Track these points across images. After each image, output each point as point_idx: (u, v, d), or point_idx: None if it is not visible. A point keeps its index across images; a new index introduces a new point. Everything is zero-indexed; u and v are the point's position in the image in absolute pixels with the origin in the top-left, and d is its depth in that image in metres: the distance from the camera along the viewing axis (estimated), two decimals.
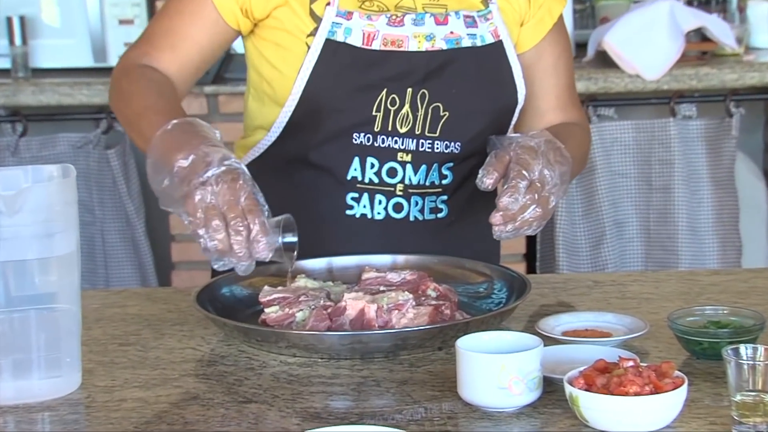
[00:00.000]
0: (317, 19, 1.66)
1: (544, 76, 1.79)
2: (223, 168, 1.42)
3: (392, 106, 1.66)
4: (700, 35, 3.28)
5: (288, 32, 1.68)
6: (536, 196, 1.51)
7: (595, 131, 3.28)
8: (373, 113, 1.66)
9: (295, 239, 1.47)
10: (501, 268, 1.66)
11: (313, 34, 1.66)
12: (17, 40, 3.29)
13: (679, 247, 3.30)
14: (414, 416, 1.28)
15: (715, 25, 3.26)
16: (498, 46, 1.72)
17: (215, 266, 1.44)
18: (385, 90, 1.66)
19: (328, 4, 1.66)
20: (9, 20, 3.29)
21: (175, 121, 1.51)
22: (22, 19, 3.30)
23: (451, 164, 1.71)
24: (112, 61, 3.33)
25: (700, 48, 3.28)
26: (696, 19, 3.24)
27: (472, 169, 1.72)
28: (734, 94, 3.29)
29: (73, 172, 1.38)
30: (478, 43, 1.70)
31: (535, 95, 1.79)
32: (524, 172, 1.51)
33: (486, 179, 1.53)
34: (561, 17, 1.80)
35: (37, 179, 1.38)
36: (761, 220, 3.44)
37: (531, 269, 3.37)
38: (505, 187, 1.51)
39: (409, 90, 1.67)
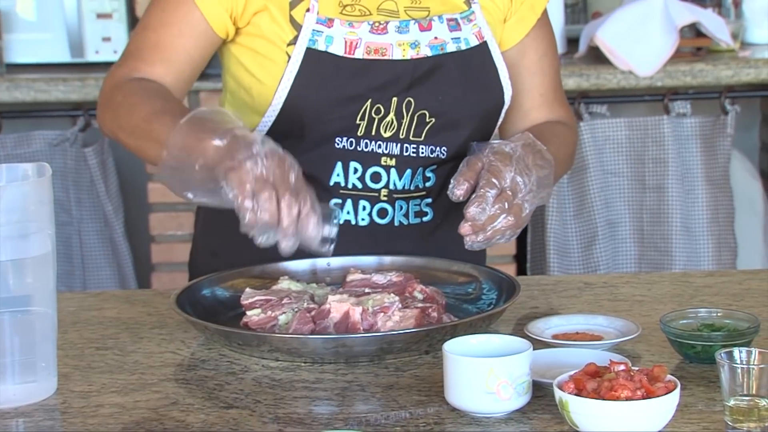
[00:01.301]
0: (297, 27, 1.65)
1: (528, 74, 1.79)
2: (270, 146, 1.43)
3: (377, 114, 1.66)
4: (694, 31, 3.29)
5: (267, 40, 1.67)
6: (506, 204, 1.51)
7: (587, 129, 3.29)
8: (357, 122, 1.66)
9: (336, 229, 1.45)
10: (489, 269, 1.67)
11: (293, 42, 1.65)
12: None
13: (673, 247, 3.30)
14: (399, 421, 1.28)
15: (709, 20, 3.27)
16: (483, 48, 1.72)
17: (260, 240, 1.41)
18: (369, 100, 1.66)
19: (308, 10, 1.65)
20: None
21: (202, 108, 1.50)
22: None
23: (434, 167, 1.71)
24: (90, 56, 3.33)
25: (694, 44, 3.29)
26: (690, 14, 3.24)
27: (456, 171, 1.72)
28: (729, 91, 3.30)
29: (48, 171, 1.37)
30: (463, 47, 1.70)
31: (520, 93, 1.79)
32: (494, 180, 1.51)
33: (456, 190, 1.53)
34: (545, 13, 1.80)
35: (11, 178, 1.37)
36: (757, 220, 3.45)
37: (521, 270, 3.37)
38: (474, 196, 1.51)
39: (395, 99, 1.66)
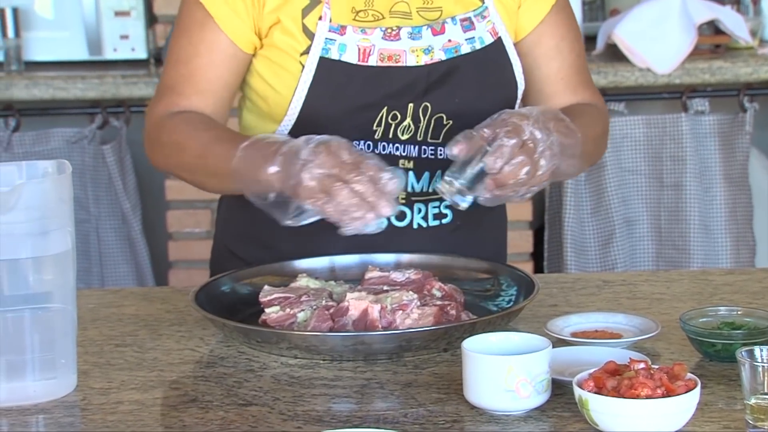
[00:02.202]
0: (311, 36, 1.65)
1: (547, 60, 1.77)
2: (312, 144, 1.46)
3: (393, 120, 1.66)
4: (713, 28, 3.28)
5: (282, 51, 1.66)
6: (526, 157, 1.48)
7: None
8: (374, 128, 1.66)
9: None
10: (508, 267, 1.66)
11: (306, 52, 1.65)
12: (10, 33, 3.30)
13: (691, 245, 3.30)
14: (418, 419, 1.28)
15: (728, 17, 3.26)
16: (497, 45, 1.71)
17: (367, 228, 1.45)
18: (385, 107, 1.65)
19: (320, 18, 1.64)
20: (2, 12, 3.29)
21: (244, 144, 1.53)
22: (15, 11, 3.30)
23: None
24: (108, 54, 3.34)
25: (712, 41, 3.28)
26: (709, 11, 3.24)
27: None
28: (748, 88, 3.29)
29: (68, 168, 1.38)
30: (477, 46, 1.69)
31: (541, 81, 1.77)
32: (511, 131, 1.48)
33: (451, 146, 1.50)
34: None
35: (32, 175, 1.38)
36: None
37: (538, 269, 3.37)
38: (492, 147, 1.48)
39: (411, 105, 1.66)
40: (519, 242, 3.27)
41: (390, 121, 1.66)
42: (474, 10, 1.70)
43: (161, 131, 1.68)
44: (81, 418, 1.33)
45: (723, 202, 3.29)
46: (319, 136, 1.48)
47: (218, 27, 1.67)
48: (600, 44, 3.32)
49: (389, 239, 1.68)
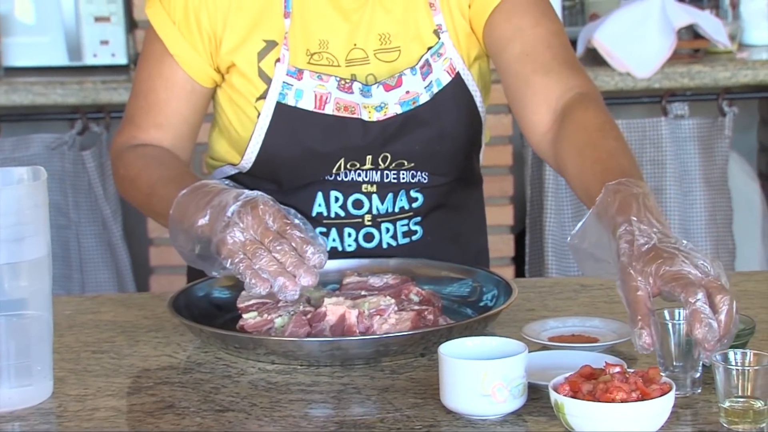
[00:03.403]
0: (267, 80, 1.64)
1: (507, 42, 1.61)
2: (240, 202, 1.45)
3: (352, 167, 1.66)
4: (691, 32, 3.29)
5: (240, 93, 1.66)
6: (720, 295, 1.25)
7: None
8: (334, 171, 1.66)
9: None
10: (486, 271, 1.67)
11: (263, 96, 1.64)
12: None
13: None
14: (395, 424, 1.28)
15: (707, 21, 3.28)
16: (456, 82, 1.67)
17: (278, 294, 1.42)
18: (343, 158, 1.65)
19: (278, 60, 1.63)
20: None
21: (183, 192, 1.52)
22: None
23: (419, 188, 1.70)
24: (88, 59, 3.33)
25: (691, 45, 3.30)
26: (688, 15, 3.25)
27: (447, 186, 1.72)
28: (727, 92, 3.31)
29: (43, 174, 1.37)
30: (435, 90, 1.66)
31: (510, 65, 1.61)
32: (682, 293, 1.25)
33: (641, 340, 1.25)
34: None
35: (6, 182, 1.38)
36: (755, 221, 3.46)
37: (520, 272, 3.38)
38: (686, 316, 1.25)
39: (369, 156, 1.66)
40: (500, 246, 3.27)
41: (349, 167, 1.66)
42: (431, 49, 1.67)
43: (119, 163, 1.69)
44: (57, 425, 1.32)
45: (703, 205, 3.30)
46: (248, 193, 1.46)
47: (176, 62, 1.66)
48: (580, 48, 3.33)
49: None
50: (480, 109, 1.71)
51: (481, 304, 1.61)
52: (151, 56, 1.68)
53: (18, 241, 1.33)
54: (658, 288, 1.27)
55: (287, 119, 1.63)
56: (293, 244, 1.42)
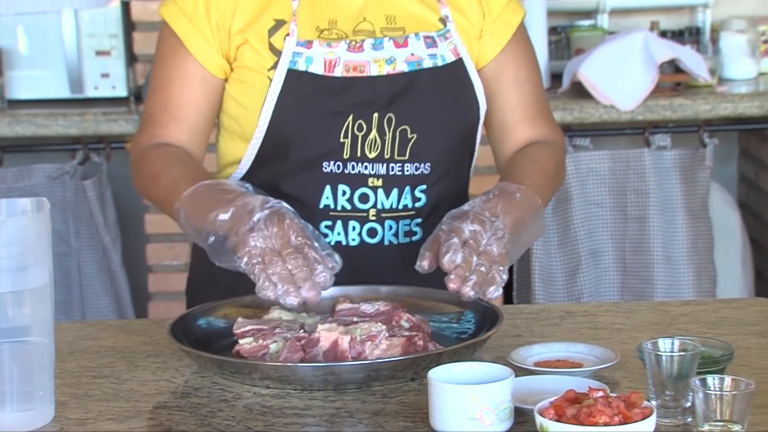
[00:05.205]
0: (277, 53, 1.69)
1: (507, 89, 1.79)
2: (267, 211, 1.50)
3: (359, 131, 1.68)
4: (673, 67, 3.32)
5: (250, 69, 1.70)
6: (472, 253, 1.52)
7: (571, 161, 3.31)
8: (341, 140, 1.68)
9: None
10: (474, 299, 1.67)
11: (274, 67, 1.69)
12: None
13: (654, 276, 3.32)
14: None
15: (688, 56, 3.30)
16: (459, 64, 1.73)
17: (286, 303, 1.48)
18: (351, 116, 1.68)
19: (288, 35, 1.69)
20: None
21: (205, 182, 1.58)
22: None
23: (424, 187, 1.72)
24: (89, 92, 3.35)
25: (673, 79, 3.32)
26: (669, 50, 3.27)
27: (445, 190, 1.74)
28: (708, 124, 3.33)
29: (46, 205, 1.38)
30: (439, 63, 1.72)
31: (502, 109, 1.79)
32: (453, 234, 1.53)
33: (421, 261, 1.55)
34: (521, 28, 1.80)
35: (11, 213, 1.38)
36: (735, 249, 3.47)
37: (508, 299, 3.38)
38: (442, 249, 1.52)
39: (375, 115, 1.69)
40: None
41: (356, 132, 1.68)
42: (437, 32, 1.73)
43: (142, 161, 1.73)
44: None
45: (685, 234, 3.32)
46: (273, 202, 1.52)
47: (188, 52, 1.72)
48: (565, 82, 3.35)
49: (362, 255, 1.71)
50: (480, 101, 1.75)
51: (470, 330, 1.62)
52: (166, 52, 1.74)
53: (21, 270, 1.33)
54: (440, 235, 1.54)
55: (298, 84, 1.67)
56: (307, 260, 1.48)
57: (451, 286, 1.51)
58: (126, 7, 3.36)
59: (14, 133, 3.22)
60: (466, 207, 1.58)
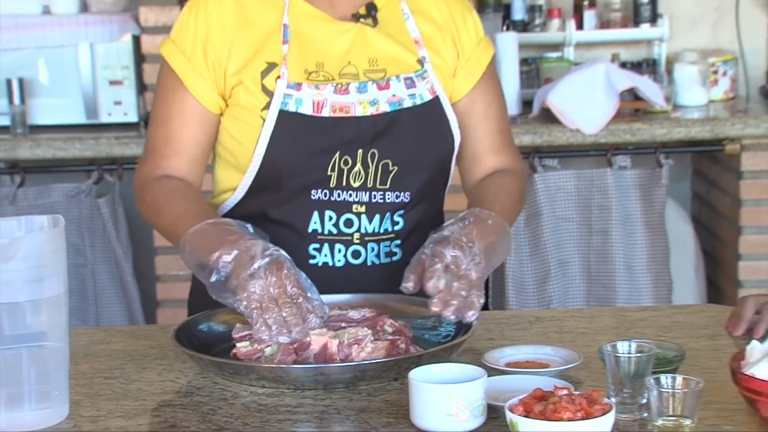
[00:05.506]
0: (269, 94, 1.68)
1: (477, 123, 1.79)
2: (267, 259, 1.48)
3: (345, 165, 1.68)
4: (632, 95, 3.33)
5: (244, 108, 1.69)
6: (454, 278, 1.51)
7: (540, 180, 3.31)
8: (329, 173, 1.68)
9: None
10: None
11: (267, 107, 1.67)
12: (16, 100, 3.30)
13: (616, 284, 3.32)
14: None
15: (645, 85, 3.31)
16: (435, 102, 1.73)
17: (279, 341, 1.47)
18: (338, 152, 1.67)
19: (279, 77, 1.68)
20: (9, 82, 3.29)
21: (210, 221, 1.57)
22: (21, 81, 3.30)
23: (403, 212, 1.73)
24: (103, 118, 3.34)
25: (632, 106, 3.33)
26: (629, 80, 3.29)
27: (422, 215, 1.74)
28: (663, 147, 3.34)
29: (61, 222, 1.38)
30: (418, 102, 1.72)
31: (472, 140, 1.79)
32: (436, 259, 1.52)
33: (406, 283, 1.54)
34: (490, 66, 1.81)
35: (30, 229, 1.38)
36: (689, 260, 3.48)
37: (484, 305, 3.37)
38: (426, 275, 1.51)
39: (360, 151, 1.68)
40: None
41: (342, 166, 1.68)
42: (415, 72, 1.73)
43: (146, 192, 1.72)
44: None
45: (643, 246, 3.32)
46: (274, 252, 1.50)
47: (186, 89, 1.70)
48: (535, 108, 3.36)
49: (347, 275, 1.71)
50: (454, 134, 1.75)
51: (448, 334, 1.62)
52: (166, 88, 1.73)
53: (39, 281, 1.33)
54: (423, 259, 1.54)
55: (289, 124, 1.66)
56: (300, 310, 1.48)
57: (434, 309, 1.50)
58: (137, 41, 3.36)
59: (35, 156, 3.21)
60: (446, 232, 1.57)
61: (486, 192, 1.74)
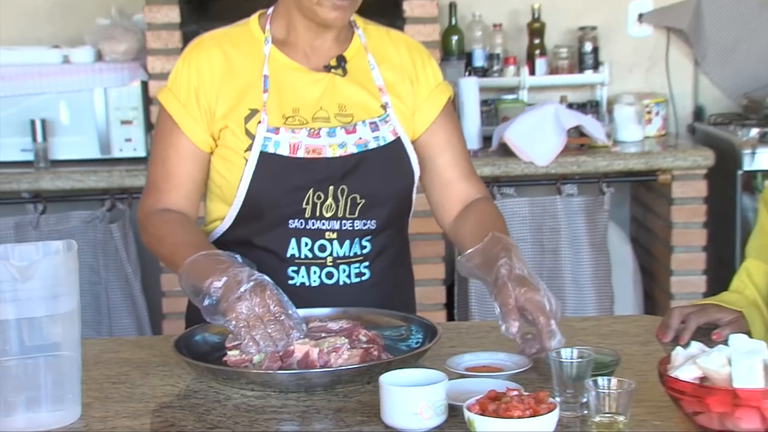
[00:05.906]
0: (251, 137, 1.68)
1: (440, 151, 1.76)
2: (252, 283, 1.48)
3: (318, 199, 1.68)
4: (578, 131, 3.35)
5: (230, 148, 1.70)
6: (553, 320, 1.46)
7: (499, 206, 3.29)
8: (304, 206, 1.68)
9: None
10: (417, 318, 1.68)
11: (249, 149, 1.68)
12: (39, 138, 3.29)
13: (565, 297, 3.33)
14: None
15: (589, 123, 3.33)
16: (397, 142, 1.73)
17: (266, 351, 1.48)
18: (311, 189, 1.68)
19: (260, 122, 1.68)
20: (33, 122, 3.29)
21: (203, 252, 1.56)
22: (43, 121, 3.30)
23: (369, 237, 1.73)
24: (115, 153, 3.34)
25: (578, 141, 3.35)
26: (575, 119, 3.30)
27: (388, 239, 1.75)
28: (605, 177, 3.36)
29: (74, 246, 1.38)
30: (382, 143, 1.72)
31: (439, 167, 1.77)
32: (541, 316, 1.46)
33: (511, 329, 1.45)
34: (448, 105, 1.79)
35: (46, 253, 1.38)
36: (628, 276, 3.49)
37: (450, 316, 3.38)
38: (545, 337, 1.45)
39: (331, 187, 1.68)
40: (434, 295, 3.29)
41: (316, 200, 1.68)
42: (378, 117, 1.73)
43: (148, 223, 1.71)
44: None
45: (588, 263, 3.33)
46: (258, 276, 1.50)
47: (182, 131, 1.71)
48: (494, 143, 3.37)
49: (322, 293, 1.70)
50: (414, 169, 1.74)
51: (415, 343, 1.62)
52: (164, 130, 1.73)
53: (54, 298, 1.33)
54: (521, 305, 1.47)
55: (269, 163, 1.67)
56: (283, 326, 1.48)
57: (553, 346, 1.44)
58: (145, 86, 3.36)
59: (55, 187, 3.20)
60: (517, 271, 1.50)
61: (489, 222, 1.69)
